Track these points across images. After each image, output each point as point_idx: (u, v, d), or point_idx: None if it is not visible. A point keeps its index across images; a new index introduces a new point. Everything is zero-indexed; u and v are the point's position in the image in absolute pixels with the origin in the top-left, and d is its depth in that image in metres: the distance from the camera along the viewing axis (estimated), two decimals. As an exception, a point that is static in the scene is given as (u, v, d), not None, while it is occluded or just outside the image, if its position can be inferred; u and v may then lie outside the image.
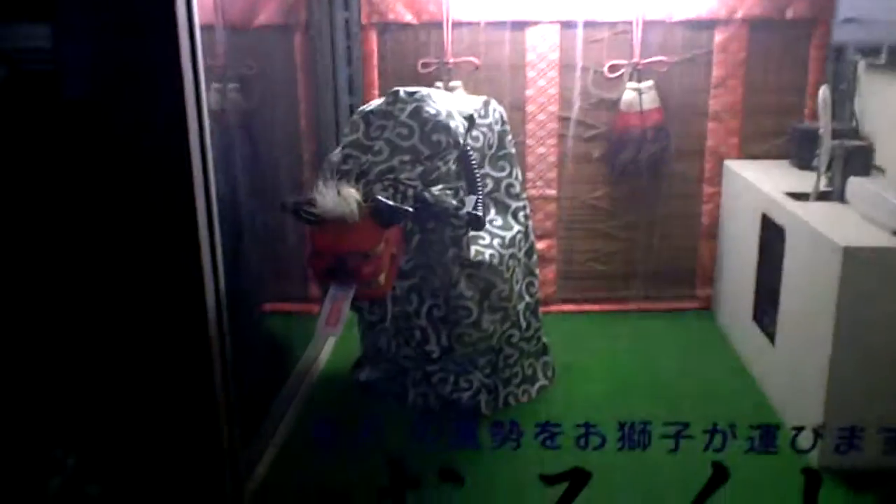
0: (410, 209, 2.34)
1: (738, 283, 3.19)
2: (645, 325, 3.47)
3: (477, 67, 3.38)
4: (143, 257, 1.67)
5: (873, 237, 2.32)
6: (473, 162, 2.58)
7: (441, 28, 3.32)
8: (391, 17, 3.35)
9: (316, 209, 2.24)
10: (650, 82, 3.34)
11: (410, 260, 2.54)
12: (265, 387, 2.67)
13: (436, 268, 2.55)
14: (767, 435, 1.79)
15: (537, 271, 2.86)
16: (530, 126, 3.43)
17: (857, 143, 2.89)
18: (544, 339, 2.91)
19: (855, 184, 2.59)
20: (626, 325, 3.47)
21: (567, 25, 3.34)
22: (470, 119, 2.56)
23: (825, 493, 1.83)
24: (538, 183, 3.48)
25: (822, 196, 2.79)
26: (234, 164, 2.48)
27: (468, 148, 2.57)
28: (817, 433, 1.79)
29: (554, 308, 3.55)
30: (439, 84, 3.31)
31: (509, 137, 2.75)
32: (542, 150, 3.46)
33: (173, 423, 1.77)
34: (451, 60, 3.36)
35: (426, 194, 2.41)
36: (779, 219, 2.76)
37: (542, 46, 3.37)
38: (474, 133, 2.62)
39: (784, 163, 3.35)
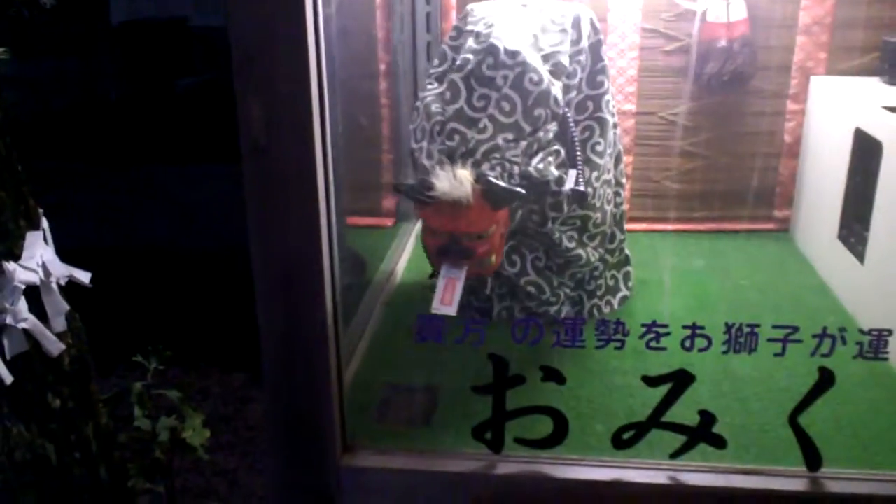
0: (523, 191, 2.34)
1: (823, 202, 3.12)
2: (721, 244, 3.42)
3: (558, -25, 3.28)
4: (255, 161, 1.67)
5: None
6: (573, 129, 2.54)
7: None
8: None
9: (433, 193, 2.24)
10: (739, -9, 3.22)
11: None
12: (353, 290, 2.70)
13: (536, 230, 2.57)
14: (878, 341, 1.75)
15: (624, 181, 2.81)
16: (611, 37, 3.34)
17: (962, 54, 2.77)
18: (627, 251, 2.88)
19: (962, 95, 2.49)
20: (701, 245, 3.42)
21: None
22: (560, 69, 2.50)
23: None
24: (617, 97, 3.39)
25: (922, 110, 2.69)
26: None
27: (568, 116, 2.53)
28: (932, 339, 1.75)
29: (627, 226, 3.50)
30: (519, -8, 3.22)
31: (603, 47, 2.67)
32: (622, 62, 3.37)
33: (282, 312, 1.79)
34: (532, -33, 3.26)
35: (531, 170, 2.41)
36: (875, 133, 2.67)
37: (627, -48, 3.25)
38: (570, 68, 2.56)
39: (874, 80, 3.22)
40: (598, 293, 2.78)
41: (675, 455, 1.90)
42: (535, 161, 2.42)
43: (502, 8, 2.62)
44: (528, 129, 2.40)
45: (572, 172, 2.50)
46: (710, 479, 1.89)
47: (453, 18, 3.36)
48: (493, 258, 2.38)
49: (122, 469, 2.40)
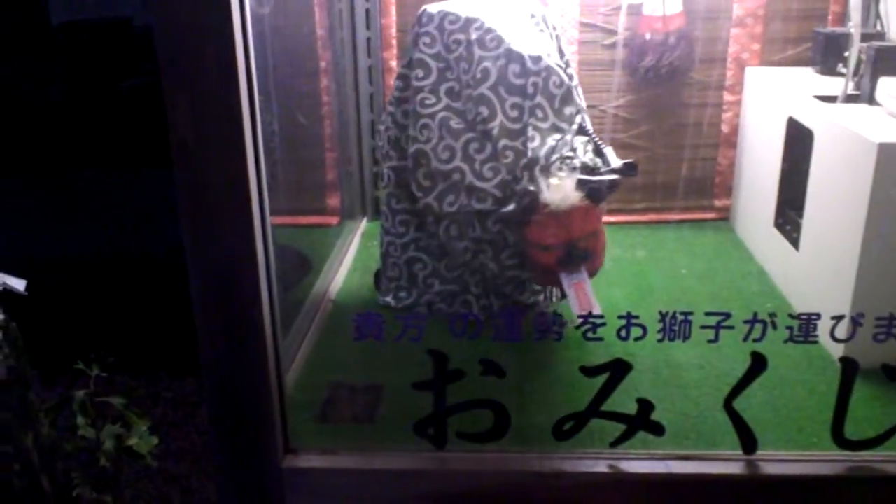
0: (616, 176, 2.41)
1: (760, 191, 3.19)
2: (662, 235, 3.48)
3: (496, -29, 3.28)
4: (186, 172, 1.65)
5: (908, 135, 2.30)
6: (587, 126, 2.63)
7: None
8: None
9: (550, 208, 2.32)
10: (674, -16, 3.26)
11: None
12: (298, 288, 2.69)
13: None
14: (807, 325, 1.80)
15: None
16: (550, 32, 3.36)
17: (887, 44, 2.83)
18: None
19: (887, 84, 2.55)
20: (643, 236, 3.47)
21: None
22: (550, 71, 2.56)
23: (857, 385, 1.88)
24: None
25: (850, 99, 2.75)
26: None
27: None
28: (856, 321, 1.80)
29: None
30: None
31: (562, 40, 2.70)
32: (562, 57, 3.40)
33: (216, 317, 1.77)
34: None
35: (587, 161, 2.47)
36: (807, 122, 2.73)
37: (564, -52, 3.28)
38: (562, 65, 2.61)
39: (807, 69, 3.29)
40: None
41: (615, 444, 1.92)
42: (579, 153, 2.48)
43: (473, 8, 2.61)
44: (565, 126, 2.47)
45: (609, 150, 2.57)
46: (649, 465, 1.92)
47: (392, 14, 3.36)
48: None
49: (66, 479, 2.35)
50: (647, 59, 3.32)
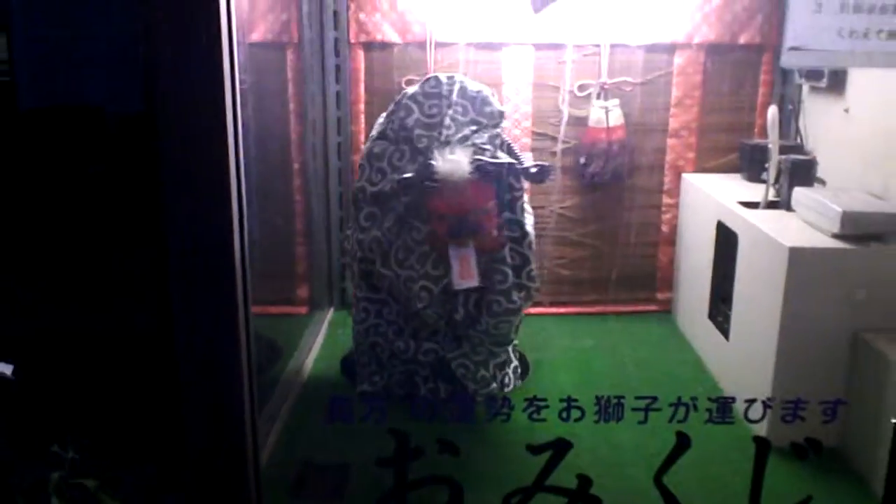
0: (512, 160, 2.78)
1: (695, 286, 3.48)
2: (608, 326, 3.74)
3: (456, 85, 3.61)
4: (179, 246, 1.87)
5: (815, 239, 2.62)
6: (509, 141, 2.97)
7: (424, 48, 3.57)
8: (378, 36, 3.58)
9: (438, 175, 2.63)
10: (616, 101, 3.62)
11: None
12: (271, 373, 2.87)
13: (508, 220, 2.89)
14: (723, 407, 2.04)
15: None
16: (505, 140, 3.69)
17: (801, 157, 3.19)
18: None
19: (799, 193, 2.88)
20: (590, 327, 3.73)
21: (540, 47, 3.62)
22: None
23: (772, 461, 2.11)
24: (512, 192, 3.73)
25: (771, 205, 3.09)
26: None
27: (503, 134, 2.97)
28: (766, 404, 2.05)
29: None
30: (421, 100, 3.55)
31: (516, 146, 3.08)
32: (515, 162, 3.71)
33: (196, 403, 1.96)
34: (433, 78, 3.60)
35: (499, 154, 2.80)
36: (732, 225, 3.05)
37: (517, 66, 3.63)
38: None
39: (736, 176, 3.66)
40: (509, 366, 3.04)
41: (558, 516, 2.11)
42: (497, 152, 2.80)
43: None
44: (485, 121, 2.81)
45: (527, 155, 2.93)
46: (590, 536, 2.10)
47: (362, 122, 3.66)
48: (495, 232, 2.75)
49: (41, 560, 2.44)
50: (593, 165, 3.65)
